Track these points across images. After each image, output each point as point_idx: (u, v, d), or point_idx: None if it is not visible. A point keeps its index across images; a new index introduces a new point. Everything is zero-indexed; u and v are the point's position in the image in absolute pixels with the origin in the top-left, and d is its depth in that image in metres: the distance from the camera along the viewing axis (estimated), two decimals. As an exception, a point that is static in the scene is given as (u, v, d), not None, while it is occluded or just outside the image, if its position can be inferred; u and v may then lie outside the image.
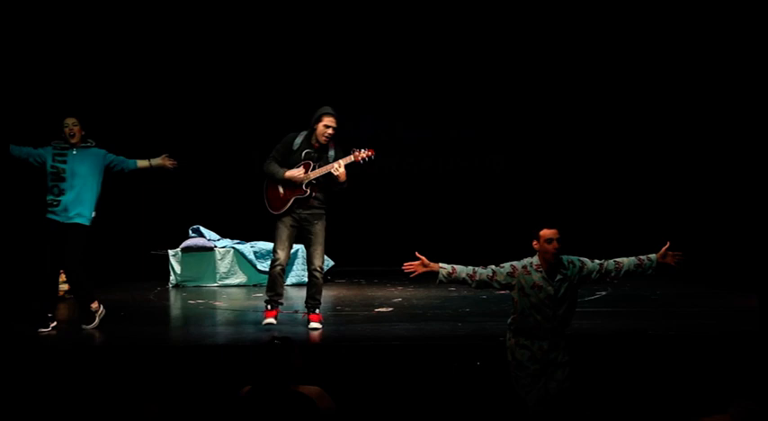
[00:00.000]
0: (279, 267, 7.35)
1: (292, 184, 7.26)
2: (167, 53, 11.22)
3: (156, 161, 7.67)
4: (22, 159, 7.43)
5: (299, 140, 7.30)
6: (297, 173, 7.22)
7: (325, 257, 10.63)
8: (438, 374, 6.14)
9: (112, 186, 7.78)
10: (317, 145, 7.25)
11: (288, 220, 7.33)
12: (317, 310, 7.41)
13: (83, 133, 7.42)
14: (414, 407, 5.93)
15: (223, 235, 10.93)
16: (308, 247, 7.44)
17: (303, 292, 9.93)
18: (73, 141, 7.37)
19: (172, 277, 10.51)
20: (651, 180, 11.38)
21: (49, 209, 7.32)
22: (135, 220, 11.48)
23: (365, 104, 11.64)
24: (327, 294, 9.77)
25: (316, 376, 4.33)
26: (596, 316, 7.81)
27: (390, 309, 8.39)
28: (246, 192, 11.47)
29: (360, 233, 11.32)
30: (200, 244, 10.64)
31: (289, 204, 7.29)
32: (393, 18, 11.34)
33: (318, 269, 7.42)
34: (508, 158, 11.82)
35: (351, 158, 7.21)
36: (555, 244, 5.28)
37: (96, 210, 7.41)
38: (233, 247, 10.62)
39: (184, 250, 10.58)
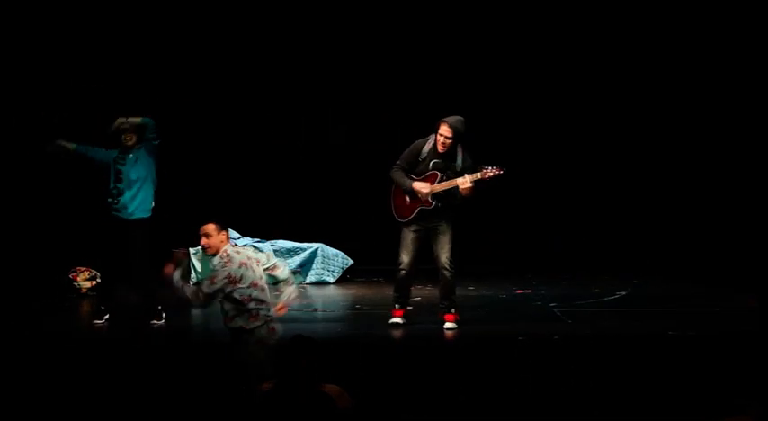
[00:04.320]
0: (402, 272, 7.34)
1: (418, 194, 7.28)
2: (191, 54, 11.26)
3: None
4: (87, 158, 7.73)
5: (426, 149, 7.28)
6: (423, 186, 7.21)
7: (344, 256, 10.74)
8: (456, 373, 6.16)
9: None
10: (441, 152, 7.24)
11: (413, 227, 7.30)
12: (453, 310, 7.30)
13: (136, 136, 7.66)
14: (431, 405, 5.95)
15: (243, 233, 10.98)
16: (434, 245, 7.34)
17: (323, 291, 10.07)
18: (129, 145, 7.63)
19: (193, 275, 10.56)
20: (652, 180, 11.34)
21: (112, 206, 7.63)
22: (156, 218, 11.54)
23: (385, 103, 11.65)
24: (346, 293, 9.81)
25: (334, 375, 4.36)
26: (615, 316, 7.83)
27: (409, 308, 8.40)
28: (267, 191, 11.59)
29: (379, 232, 11.33)
30: (221, 242, 10.69)
31: (414, 213, 7.29)
32: (408, 19, 11.36)
33: (445, 266, 7.27)
34: (523, 158, 11.79)
35: (478, 175, 7.17)
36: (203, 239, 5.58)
37: (154, 199, 7.77)
38: (253, 246, 10.66)
39: (205, 248, 10.63)
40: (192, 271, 10.57)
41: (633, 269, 10.54)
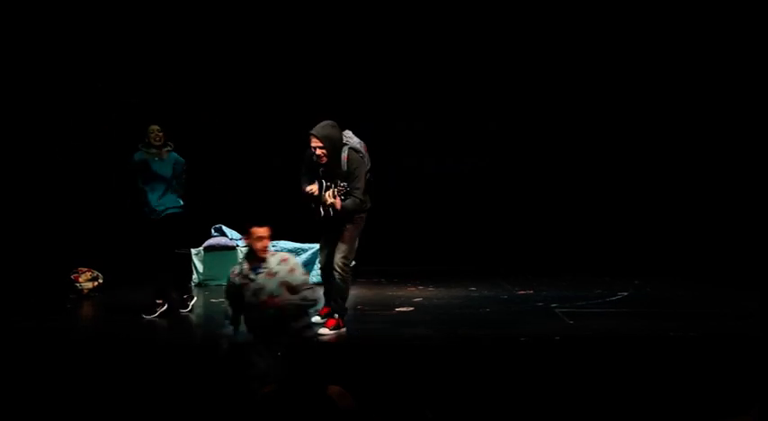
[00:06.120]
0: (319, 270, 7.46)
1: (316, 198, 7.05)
2: (194, 55, 11.30)
3: None
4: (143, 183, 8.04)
5: (315, 157, 6.95)
6: (310, 189, 6.99)
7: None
8: (458, 375, 6.16)
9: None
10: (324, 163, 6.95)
11: (325, 231, 7.28)
12: (335, 315, 7.16)
13: (165, 138, 8.02)
14: (434, 407, 5.96)
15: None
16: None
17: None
18: (157, 144, 7.95)
19: (194, 276, 10.58)
20: (654, 181, 11.36)
21: (144, 208, 7.96)
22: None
23: (392, 103, 11.66)
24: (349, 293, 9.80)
25: (336, 375, 4.37)
26: (617, 316, 7.83)
27: (411, 308, 8.42)
28: (268, 192, 11.59)
29: (380, 232, 11.34)
30: (223, 243, 10.70)
31: (322, 218, 7.15)
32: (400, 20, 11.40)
33: (336, 267, 7.13)
34: (526, 159, 11.81)
35: (328, 194, 7.00)
36: (265, 242, 5.36)
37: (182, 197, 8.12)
38: (254, 246, 10.67)
39: (207, 249, 10.64)
40: (194, 271, 10.59)
41: (634, 269, 10.55)
